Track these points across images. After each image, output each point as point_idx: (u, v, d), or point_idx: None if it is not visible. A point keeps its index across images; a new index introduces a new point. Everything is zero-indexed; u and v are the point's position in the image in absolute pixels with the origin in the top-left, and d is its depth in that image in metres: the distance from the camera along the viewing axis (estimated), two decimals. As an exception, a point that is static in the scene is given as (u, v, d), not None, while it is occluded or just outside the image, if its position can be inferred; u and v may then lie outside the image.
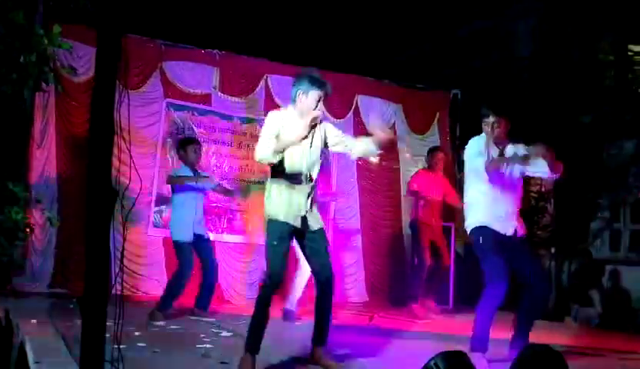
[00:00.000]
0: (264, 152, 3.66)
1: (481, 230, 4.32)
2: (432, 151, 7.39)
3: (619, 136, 8.28)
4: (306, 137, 3.74)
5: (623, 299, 7.53)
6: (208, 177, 6.05)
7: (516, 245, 4.36)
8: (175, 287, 5.71)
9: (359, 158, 4.80)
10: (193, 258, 5.83)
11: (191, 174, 5.87)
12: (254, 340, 3.60)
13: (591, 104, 8.41)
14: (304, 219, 3.77)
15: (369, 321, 6.42)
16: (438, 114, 8.94)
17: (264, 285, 3.77)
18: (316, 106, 3.81)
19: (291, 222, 3.74)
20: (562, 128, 8.14)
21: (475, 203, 4.39)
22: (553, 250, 8.35)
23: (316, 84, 3.80)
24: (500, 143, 4.41)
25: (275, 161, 3.66)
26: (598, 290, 7.64)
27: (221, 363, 3.72)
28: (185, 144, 5.99)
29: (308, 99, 3.79)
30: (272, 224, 3.74)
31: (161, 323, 5.33)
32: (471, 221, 4.40)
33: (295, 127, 3.72)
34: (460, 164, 9.09)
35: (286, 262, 3.80)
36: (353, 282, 8.25)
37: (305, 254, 3.96)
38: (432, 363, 2.48)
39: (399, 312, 7.02)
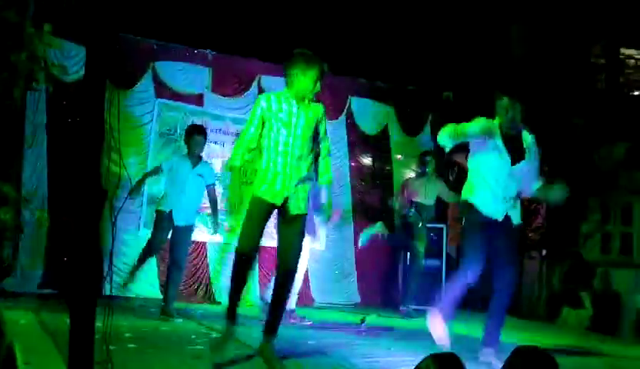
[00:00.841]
0: (234, 154, 3.90)
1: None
2: (420, 155, 7.46)
3: (610, 139, 8.31)
4: (293, 115, 3.78)
5: (613, 301, 7.55)
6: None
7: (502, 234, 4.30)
8: (140, 257, 5.89)
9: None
10: (165, 235, 5.85)
11: (188, 162, 5.91)
12: (229, 308, 3.79)
13: (583, 107, 8.44)
14: (285, 201, 3.77)
15: (361, 322, 6.41)
16: (430, 115, 8.95)
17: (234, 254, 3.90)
18: (314, 86, 3.80)
19: (269, 200, 3.76)
20: (554, 131, 8.17)
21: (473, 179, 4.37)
22: (544, 252, 8.38)
23: (311, 62, 3.78)
24: (513, 128, 4.34)
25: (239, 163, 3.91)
26: (589, 293, 7.67)
27: (213, 364, 3.70)
28: (190, 134, 6.03)
29: (307, 78, 3.77)
30: (252, 199, 3.82)
31: (152, 323, 5.31)
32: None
33: (288, 109, 3.77)
34: (452, 165, 9.11)
35: (255, 238, 3.78)
36: (345, 283, 8.25)
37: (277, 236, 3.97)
38: (424, 364, 2.47)
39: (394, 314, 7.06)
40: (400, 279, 7.68)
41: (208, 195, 6.08)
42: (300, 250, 3.89)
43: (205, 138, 6.12)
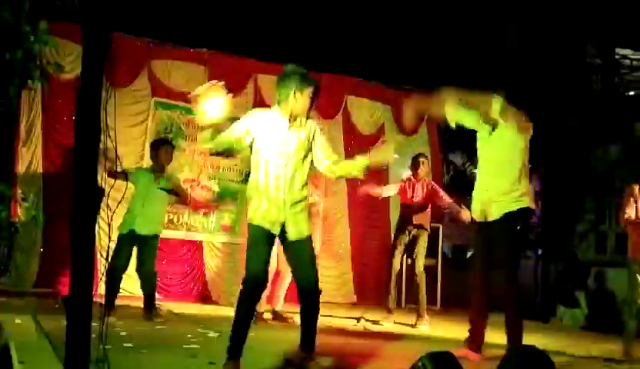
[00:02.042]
0: (203, 137, 3.70)
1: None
2: (413, 159, 7.40)
3: (605, 139, 8.34)
4: (284, 137, 3.63)
5: (608, 300, 7.58)
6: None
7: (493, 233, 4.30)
8: (106, 280, 5.50)
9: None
10: (125, 253, 5.67)
11: (151, 175, 5.82)
12: (234, 343, 3.49)
13: (578, 108, 8.47)
14: (283, 226, 3.61)
15: (357, 323, 6.42)
16: (426, 115, 8.95)
17: (242, 285, 3.65)
18: (312, 104, 3.67)
19: (267, 227, 3.60)
20: (550, 131, 8.18)
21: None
22: (540, 251, 8.41)
23: (308, 81, 3.66)
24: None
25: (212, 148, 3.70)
26: (584, 292, 7.70)
27: (209, 363, 3.70)
28: (157, 146, 5.98)
29: (304, 97, 3.63)
30: (250, 227, 3.66)
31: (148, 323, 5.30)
32: None
33: (279, 129, 3.66)
34: (448, 164, 9.14)
35: (263, 264, 3.61)
36: (341, 283, 8.25)
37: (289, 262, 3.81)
38: (420, 363, 2.48)
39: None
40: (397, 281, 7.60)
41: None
42: (315, 264, 3.70)
43: (173, 149, 6.09)
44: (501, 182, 4.27)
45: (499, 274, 4.26)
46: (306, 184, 3.76)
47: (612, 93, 8.93)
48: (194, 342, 4.43)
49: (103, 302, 5.38)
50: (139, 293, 6.79)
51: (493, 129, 4.31)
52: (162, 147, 5.96)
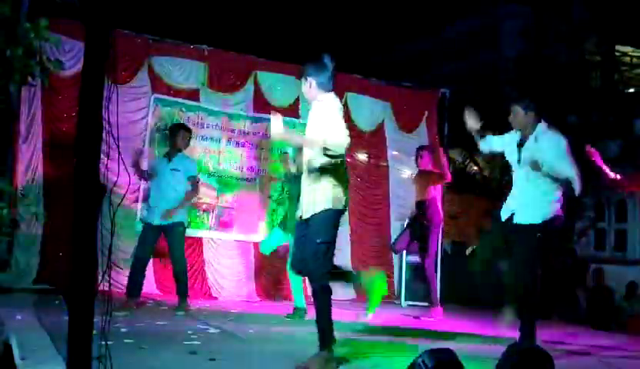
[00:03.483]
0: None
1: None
2: (416, 150, 7.40)
3: (604, 136, 8.35)
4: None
5: (607, 297, 7.60)
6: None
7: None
8: (131, 270, 5.85)
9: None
10: (148, 242, 5.92)
11: (165, 159, 6.02)
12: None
13: (577, 105, 8.48)
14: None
15: (356, 318, 6.43)
16: (426, 112, 8.96)
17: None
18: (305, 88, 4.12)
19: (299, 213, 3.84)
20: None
21: None
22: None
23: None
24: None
25: None
26: (583, 289, 7.72)
27: (209, 359, 3.71)
28: (177, 129, 6.16)
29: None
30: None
31: (148, 319, 5.31)
32: None
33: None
34: (448, 161, 9.14)
35: (298, 248, 3.88)
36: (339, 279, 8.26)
37: None
38: (420, 360, 2.49)
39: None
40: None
41: (191, 186, 6.09)
42: (315, 254, 3.74)
43: (191, 135, 6.26)
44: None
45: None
46: (320, 160, 3.74)
47: (612, 90, 8.93)
48: (194, 338, 4.45)
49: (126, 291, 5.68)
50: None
51: None
52: (182, 130, 6.13)
